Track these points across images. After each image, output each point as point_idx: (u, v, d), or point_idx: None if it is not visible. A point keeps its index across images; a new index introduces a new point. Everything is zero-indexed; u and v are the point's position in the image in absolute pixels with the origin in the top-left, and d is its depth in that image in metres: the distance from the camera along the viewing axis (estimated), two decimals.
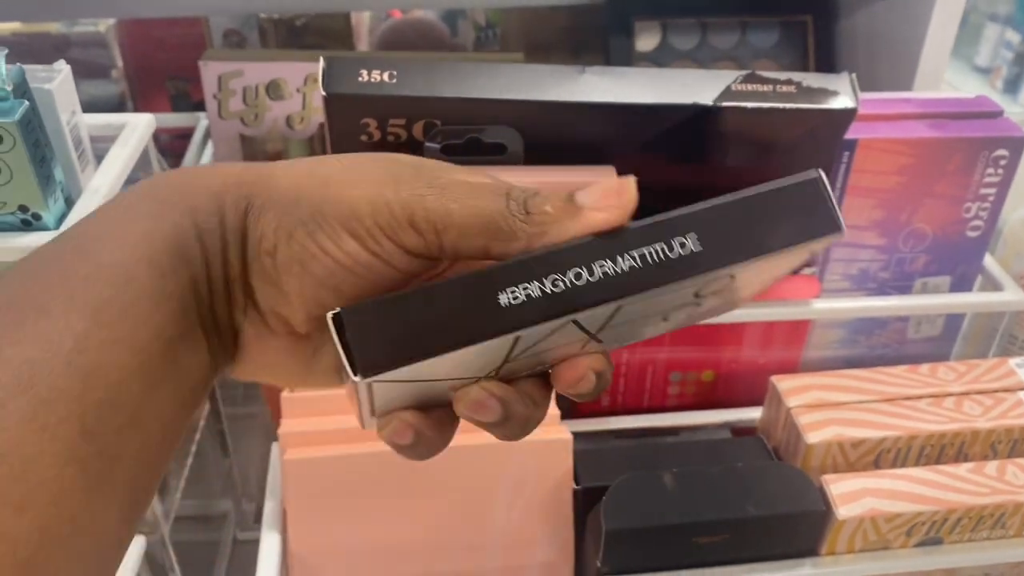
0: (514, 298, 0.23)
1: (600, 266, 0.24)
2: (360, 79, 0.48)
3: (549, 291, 0.24)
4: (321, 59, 0.48)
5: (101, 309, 0.22)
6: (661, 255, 0.24)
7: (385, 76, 0.48)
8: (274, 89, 0.65)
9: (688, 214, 0.24)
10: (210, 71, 0.64)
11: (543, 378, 0.28)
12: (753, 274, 0.27)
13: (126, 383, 0.22)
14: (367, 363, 0.22)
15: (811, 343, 0.66)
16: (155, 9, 0.72)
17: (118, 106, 0.82)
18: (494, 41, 0.83)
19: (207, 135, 0.68)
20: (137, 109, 0.84)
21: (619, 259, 0.24)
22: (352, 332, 0.23)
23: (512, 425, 0.27)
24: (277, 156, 0.68)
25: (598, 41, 0.81)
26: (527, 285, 0.24)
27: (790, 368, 0.66)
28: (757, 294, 0.32)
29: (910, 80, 0.70)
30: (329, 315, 0.23)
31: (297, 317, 0.26)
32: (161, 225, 0.24)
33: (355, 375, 0.22)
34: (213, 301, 0.25)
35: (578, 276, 0.24)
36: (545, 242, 0.24)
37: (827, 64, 0.80)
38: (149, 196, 0.25)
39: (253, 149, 0.67)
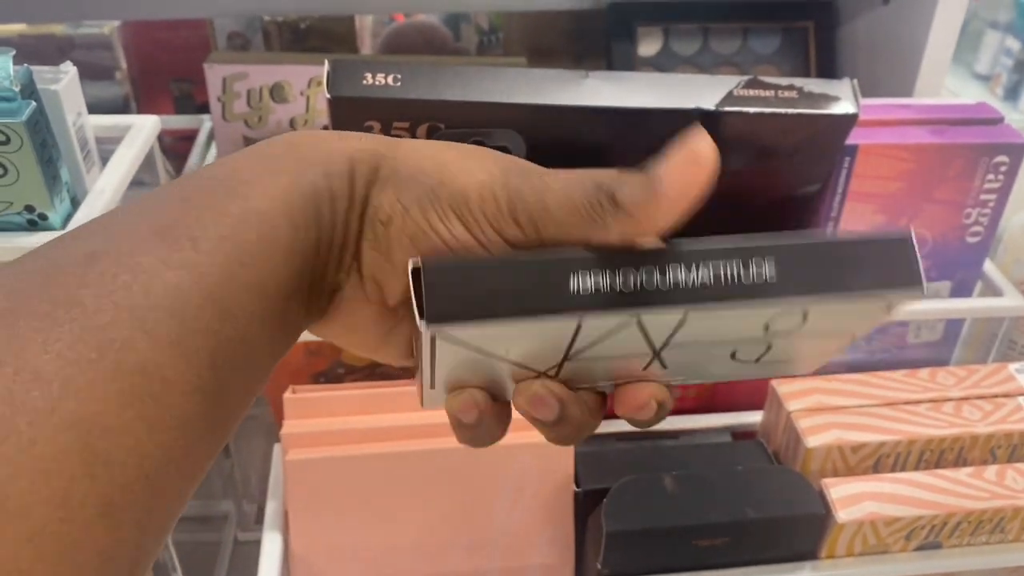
0: (583, 285, 0.24)
1: (674, 270, 0.24)
2: (364, 82, 0.48)
3: (619, 286, 0.24)
4: (326, 62, 0.48)
5: (246, 252, 0.23)
6: (736, 274, 0.24)
7: (389, 79, 0.48)
8: (278, 92, 0.65)
9: (771, 241, 0.24)
10: (214, 73, 0.64)
11: (601, 394, 0.29)
12: (825, 322, 0.26)
13: (251, 327, 0.23)
14: (435, 313, 0.24)
15: None
16: (159, 11, 0.73)
17: (122, 108, 0.82)
18: (497, 45, 0.83)
19: (211, 137, 0.69)
20: (141, 111, 0.84)
21: (694, 268, 0.24)
22: (428, 283, 0.24)
23: (565, 427, 0.28)
24: None
25: (600, 46, 0.81)
26: (600, 275, 0.24)
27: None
28: (819, 363, 0.31)
29: (911, 86, 0.70)
30: (410, 262, 0.24)
31: (394, 288, 0.27)
32: (301, 182, 0.25)
33: (422, 319, 0.24)
34: (327, 260, 0.26)
35: (650, 276, 0.24)
36: (639, 230, 0.24)
37: (828, 70, 0.80)
38: (292, 151, 0.26)
39: None
